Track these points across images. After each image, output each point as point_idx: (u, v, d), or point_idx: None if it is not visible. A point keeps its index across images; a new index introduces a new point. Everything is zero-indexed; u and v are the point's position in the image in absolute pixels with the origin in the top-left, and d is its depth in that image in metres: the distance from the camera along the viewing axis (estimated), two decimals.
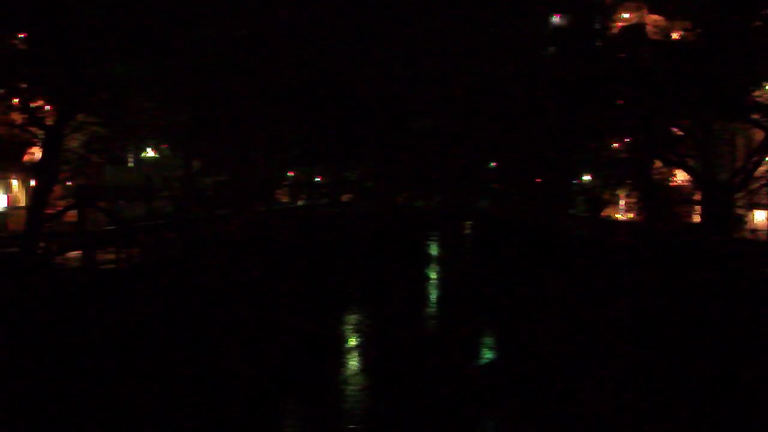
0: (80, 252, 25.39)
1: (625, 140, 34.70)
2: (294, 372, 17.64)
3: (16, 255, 22.69)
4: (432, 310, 27.81)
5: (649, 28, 31.70)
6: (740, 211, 29.96)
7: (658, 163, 32.92)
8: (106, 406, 14.44)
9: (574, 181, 46.91)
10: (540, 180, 54.08)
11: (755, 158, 26.16)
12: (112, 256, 25.63)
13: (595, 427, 14.16)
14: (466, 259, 46.73)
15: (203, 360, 18.04)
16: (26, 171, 28.23)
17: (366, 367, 18.36)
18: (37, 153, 26.24)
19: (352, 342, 21.39)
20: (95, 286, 22.56)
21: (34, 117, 23.64)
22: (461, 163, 76.13)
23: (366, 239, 54.48)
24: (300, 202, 72.15)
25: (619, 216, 44.65)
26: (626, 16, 39.02)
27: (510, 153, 55.72)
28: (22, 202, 31.12)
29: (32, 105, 23.44)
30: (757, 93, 25.96)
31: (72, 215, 29.60)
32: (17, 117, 24.47)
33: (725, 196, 26.80)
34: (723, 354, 18.05)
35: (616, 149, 36.41)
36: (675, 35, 29.32)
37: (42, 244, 23.96)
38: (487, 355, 20.79)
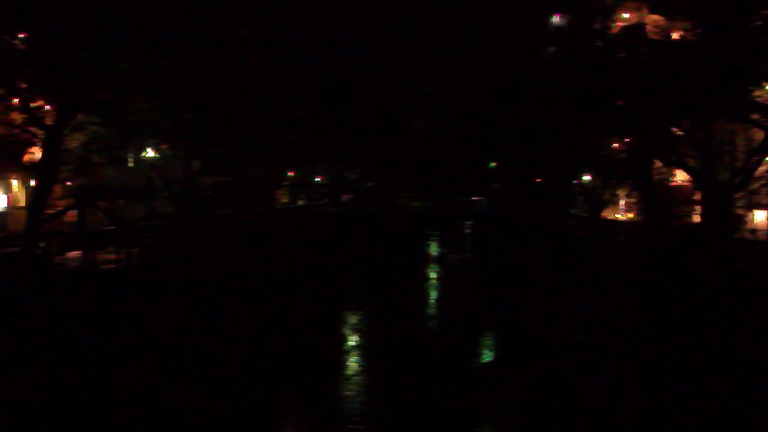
0: (80, 252, 25.38)
1: (625, 140, 34.71)
2: (294, 372, 17.64)
3: (16, 255, 22.67)
4: (432, 310, 27.81)
5: (649, 28, 31.69)
6: (740, 211, 29.94)
7: (658, 163, 32.92)
8: (105, 406, 14.44)
9: (574, 181, 46.92)
10: (540, 180, 54.11)
11: (755, 158, 26.13)
12: (112, 256, 25.63)
13: (595, 427, 14.16)
14: (466, 259, 46.72)
15: (203, 360, 18.05)
16: (26, 171, 28.19)
17: (366, 367, 18.36)
18: (37, 153, 26.20)
19: (352, 342, 21.39)
20: (95, 286, 22.56)
21: (34, 117, 23.60)
22: (461, 163, 76.22)
23: (366, 239, 54.46)
24: (300, 202, 72.16)
25: (619, 216, 44.67)
26: (626, 16, 39.04)
27: (510, 153, 55.74)
28: (22, 202, 31.10)
29: (32, 105, 23.40)
30: (757, 93, 25.94)
31: (72, 215, 29.58)
32: (17, 117, 24.44)
33: (725, 196, 26.77)
34: (723, 354, 18.05)
35: (616, 149, 36.42)
36: (675, 35, 29.30)
37: (42, 244, 23.95)
38: (487, 354, 20.80)
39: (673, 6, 28.72)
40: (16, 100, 23.65)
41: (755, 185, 27.26)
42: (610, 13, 38.90)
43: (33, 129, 24.34)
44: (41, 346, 17.58)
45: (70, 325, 19.12)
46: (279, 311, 25.00)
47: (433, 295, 31.46)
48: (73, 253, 25.42)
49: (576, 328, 22.28)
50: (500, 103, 50.30)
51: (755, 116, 25.68)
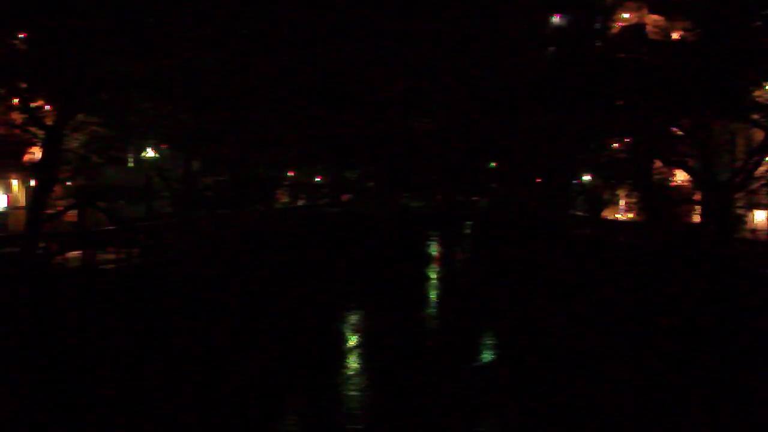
0: (80, 252, 25.39)
1: (625, 140, 34.71)
2: (294, 372, 17.64)
3: (16, 255, 22.68)
4: (432, 310, 27.80)
5: (649, 28, 31.68)
6: (740, 211, 29.93)
7: (658, 163, 32.92)
8: (105, 407, 14.43)
9: (574, 181, 46.92)
10: (540, 180, 54.13)
11: (755, 158, 26.13)
12: (112, 256, 25.63)
13: (595, 428, 14.16)
14: (466, 259, 46.73)
15: (203, 360, 18.05)
16: (26, 171, 28.20)
17: (366, 367, 18.36)
18: (37, 153, 26.22)
19: (352, 342, 21.39)
20: (95, 286, 22.56)
21: (34, 117, 23.62)
22: (461, 163, 76.16)
23: (366, 239, 54.46)
24: (300, 202, 72.17)
25: (619, 216, 44.65)
26: (626, 16, 39.00)
27: (510, 153, 55.75)
28: (22, 202, 31.10)
29: (32, 105, 23.43)
30: (757, 93, 25.94)
31: (72, 215, 29.58)
32: (17, 117, 24.47)
33: (725, 196, 26.77)
34: (723, 354, 18.05)
35: (616, 149, 36.42)
36: (675, 35, 29.30)
37: (42, 244, 23.95)
38: (487, 355, 20.79)
39: (673, 6, 28.71)
40: (16, 100, 23.67)
41: (755, 185, 27.25)
42: (610, 13, 38.87)
43: (33, 129, 24.35)
44: (41, 346, 17.58)
45: (71, 326, 19.12)
46: (279, 311, 25.00)
47: (434, 294, 31.45)
48: (73, 253, 25.42)
49: (576, 327, 22.28)
50: (500, 103, 50.28)
51: (755, 116, 25.69)
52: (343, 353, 19.82)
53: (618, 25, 37.35)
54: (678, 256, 26.67)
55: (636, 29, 32.47)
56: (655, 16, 32.20)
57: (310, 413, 15.15)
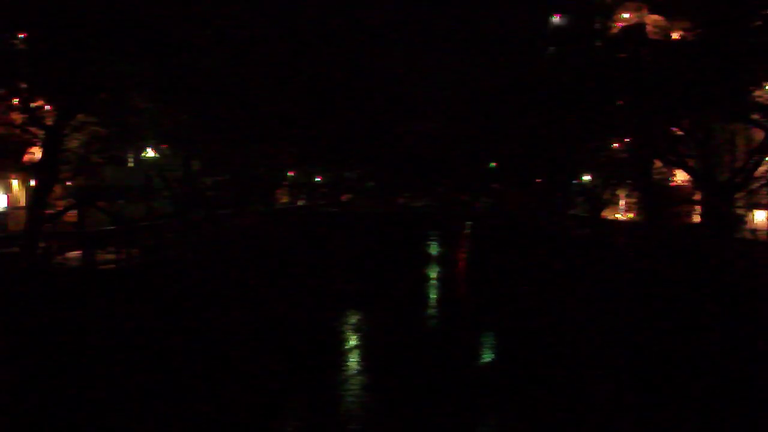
0: (80, 252, 25.39)
1: (625, 140, 34.72)
2: (294, 372, 17.65)
3: (16, 255, 22.68)
4: (432, 310, 27.81)
5: (649, 28, 31.68)
6: (740, 211, 29.91)
7: (658, 163, 32.92)
8: (105, 407, 14.44)
9: (574, 181, 46.93)
10: (540, 180, 54.16)
11: (755, 158, 26.12)
12: (112, 256, 25.64)
13: (595, 427, 14.17)
14: (466, 259, 46.73)
15: (203, 360, 18.05)
16: (26, 171, 28.21)
17: (366, 367, 18.36)
18: (37, 153, 26.22)
19: (352, 342, 21.39)
20: (95, 286, 22.56)
21: (34, 117, 23.63)
22: (461, 163, 76.19)
23: (366, 239, 54.49)
24: (300, 202, 72.18)
25: (619, 216, 44.66)
26: (626, 16, 39.01)
27: (510, 153, 55.75)
28: (22, 202, 31.10)
29: (32, 105, 23.43)
30: (757, 93, 25.93)
31: (72, 215, 29.58)
32: (17, 117, 24.47)
33: (725, 196, 26.76)
34: (722, 354, 18.05)
35: (616, 149, 36.43)
36: (675, 35, 29.31)
37: (42, 244, 23.96)
38: (487, 355, 20.80)
39: (673, 6, 28.69)
40: (16, 100, 23.67)
41: (755, 185, 27.23)
42: (610, 13, 38.86)
43: (33, 129, 24.36)
44: (41, 346, 17.59)
45: (71, 325, 19.13)
46: (279, 310, 25.00)
47: (433, 295, 31.46)
48: (73, 253, 25.42)
49: (576, 328, 22.29)
50: (500, 103, 50.33)
51: (755, 116, 25.67)
52: (342, 353, 19.83)
53: (618, 25, 37.34)
54: (678, 256, 26.68)
55: (636, 29, 32.44)
56: (655, 16, 32.20)
57: (310, 413, 15.15)
